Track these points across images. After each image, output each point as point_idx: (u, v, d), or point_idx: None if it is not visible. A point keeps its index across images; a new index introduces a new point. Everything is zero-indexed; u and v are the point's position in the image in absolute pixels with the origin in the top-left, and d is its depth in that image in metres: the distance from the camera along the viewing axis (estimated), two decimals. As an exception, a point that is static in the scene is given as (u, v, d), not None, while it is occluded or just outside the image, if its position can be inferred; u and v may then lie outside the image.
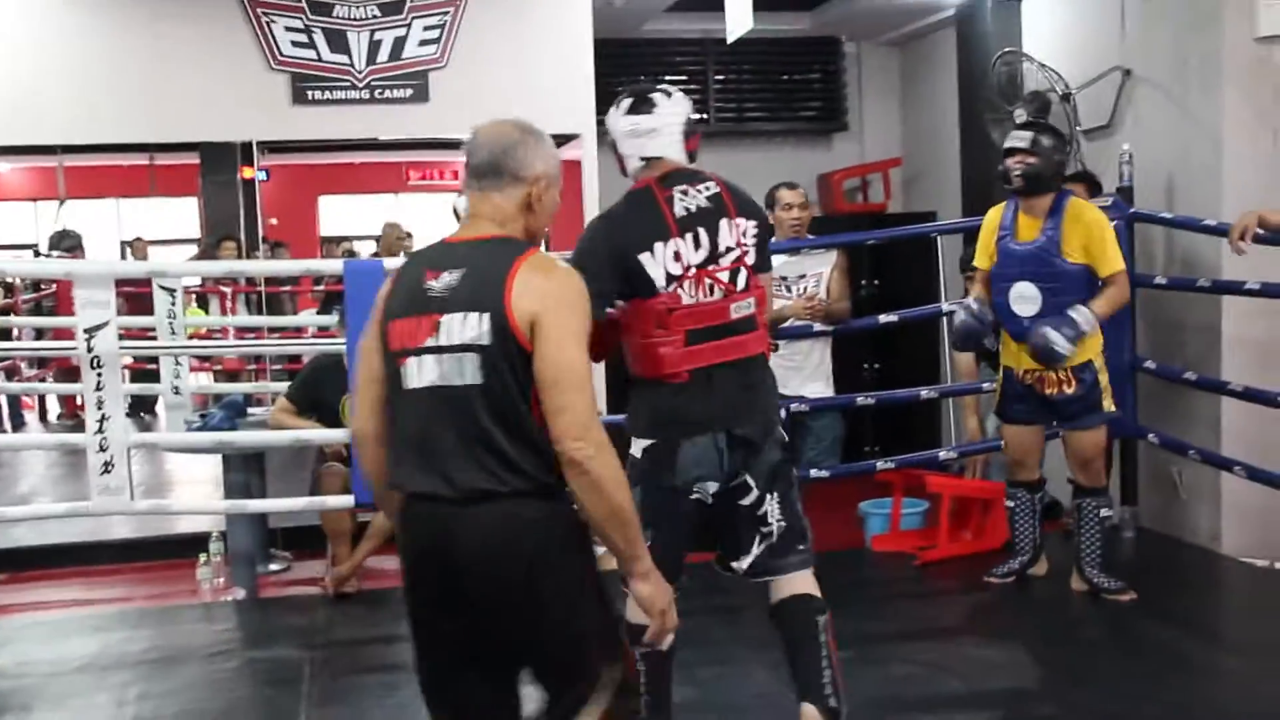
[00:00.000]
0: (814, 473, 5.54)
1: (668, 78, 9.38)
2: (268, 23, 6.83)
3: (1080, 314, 4.63)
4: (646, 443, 3.15)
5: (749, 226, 3.17)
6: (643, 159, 3.19)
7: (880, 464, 5.90)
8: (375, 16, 6.90)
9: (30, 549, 6.41)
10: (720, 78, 9.26)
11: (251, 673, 4.52)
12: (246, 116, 6.95)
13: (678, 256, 3.08)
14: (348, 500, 5.02)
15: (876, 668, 4.24)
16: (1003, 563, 5.22)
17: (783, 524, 3.23)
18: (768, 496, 3.19)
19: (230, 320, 9.07)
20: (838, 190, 8.98)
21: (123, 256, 10.69)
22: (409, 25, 6.93)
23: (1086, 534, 4.91)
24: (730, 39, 6.91)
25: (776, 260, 5.48)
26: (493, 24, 7.02)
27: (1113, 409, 4.86)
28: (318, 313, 9.40)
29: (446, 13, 6.96)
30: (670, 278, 3.08)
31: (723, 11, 6.87)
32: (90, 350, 4.62)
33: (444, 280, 2.36)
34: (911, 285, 7.75)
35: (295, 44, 6.86)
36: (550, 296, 2.32)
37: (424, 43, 6.96)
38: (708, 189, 3.15)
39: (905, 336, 7.60)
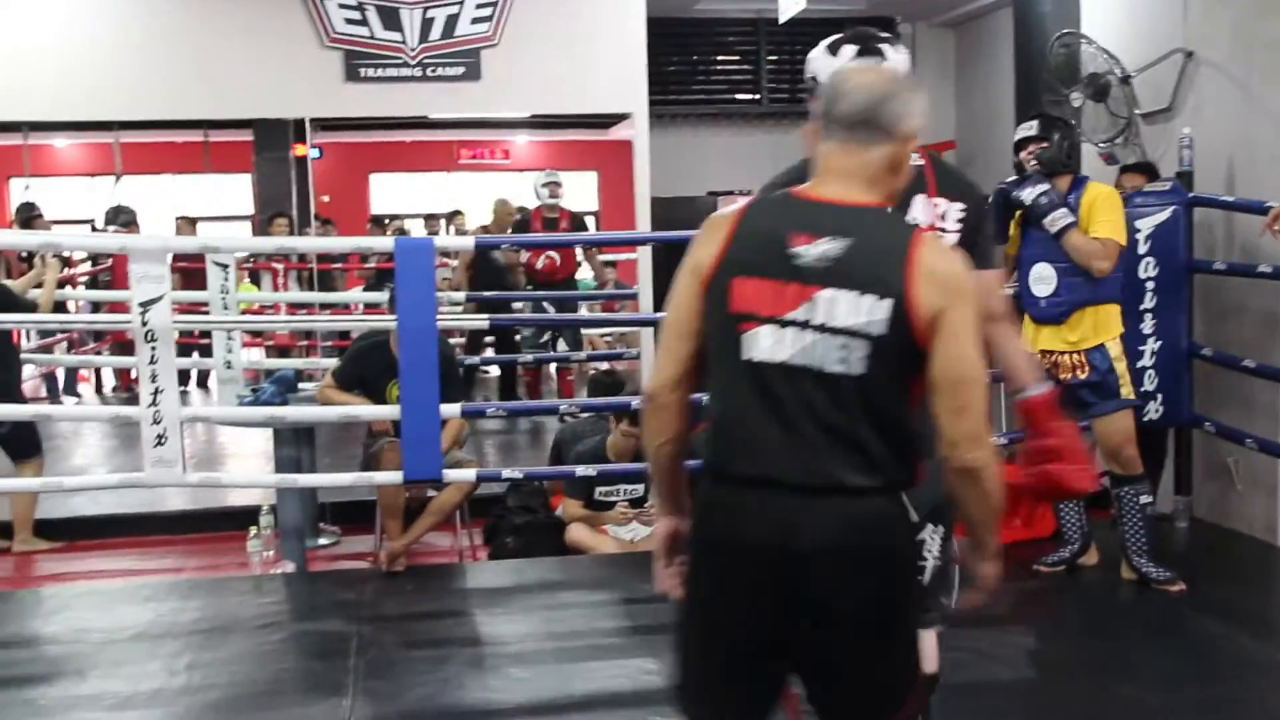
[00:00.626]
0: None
1: (720, 58, 9.36)
2: (321, 0, 6.86)
3: (1065, 206, 4.71)
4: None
5: (951, 209, 2.65)
6: None
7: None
8: (429, -7, 6.93)
9: (86, 519, 6.51)
10: (773, 58, 9.22)
11: (299, 645, 4.55)
12: (299, 94, 6.99)
13: None
14: (397, 476, 5.03)
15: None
16: (1053, 551, 5.16)
17: (937, 563, 2.66)
18: (929, 525, 2.58)
19: (282, 296, 9.14)
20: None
21: (177, 232, 10.78)
22: (461, 3, 6.93)
23: (1129, 523, 4.84)
24: (783, 19, 6.87)
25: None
26: (545, 2, 7.00)
27: (1132, 396, 4.80)
28: (367, 290, 9.47)
29: (500, -10, 6.97)
30: None
31: (775, -10, 6.83)
32: (145, 324, 4.66)
33: (820, 248, 2.06)
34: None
35: (348, 21, 6.89)
36: (955, 286, 2.06)
37: (476, 20, 6.96)
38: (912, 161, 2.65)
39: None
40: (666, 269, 6.47)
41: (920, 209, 2.64)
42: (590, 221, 12.69)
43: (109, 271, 9.80)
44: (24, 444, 6.19)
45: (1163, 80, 6.15)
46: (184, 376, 8.72)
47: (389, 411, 5.24)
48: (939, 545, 2.65)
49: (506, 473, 5.35)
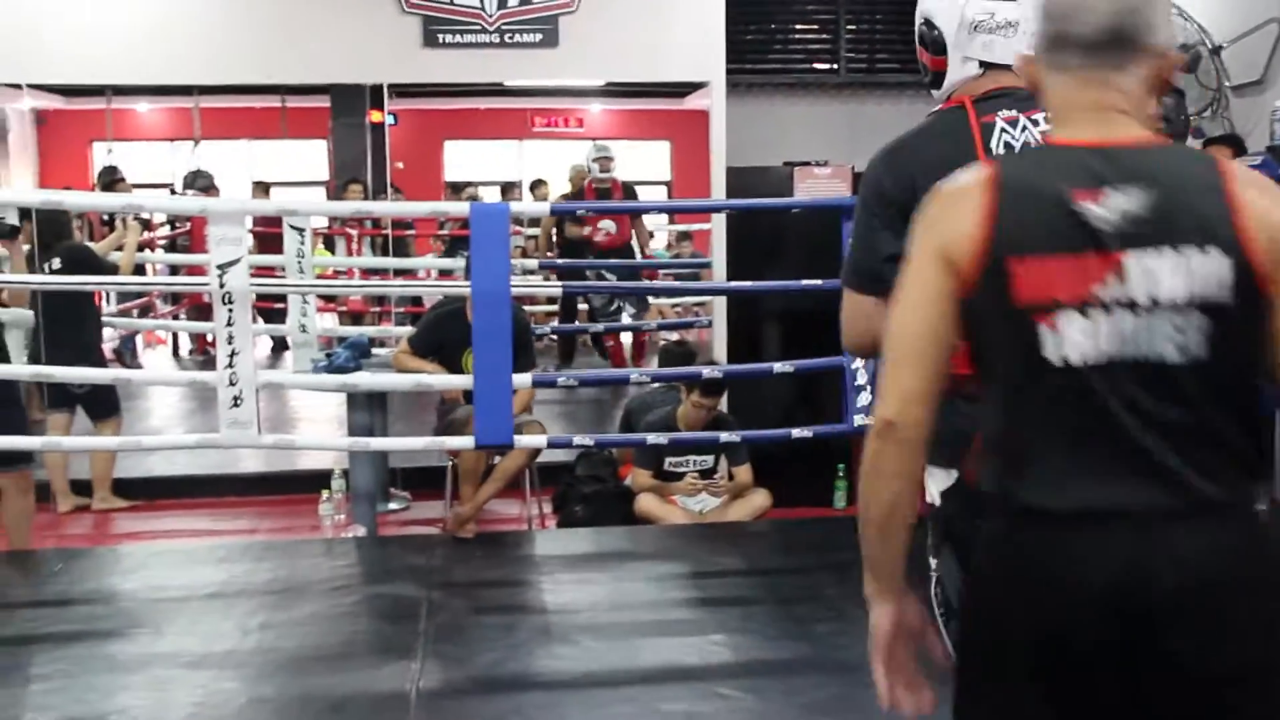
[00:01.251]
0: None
1: (798, 27, 9.25)
2: (402, -36, 6.85)
3: None
4: None
5: None
6: (982, 64, 2.22)
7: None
8: (506, -41, 6.89)
9: (162, 479, 6.61)
10: (852, 27, 9.08)
11: (370, 609, 4.59)
12: (377, 59, 6.98)
13: None
14: (468, 441, 5.04)
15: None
16: None
17: None
18: None
19: (356, 261, 9.21)
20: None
21: (253, 197, 10.87)
22: (541, -32, 6.90)
23: None
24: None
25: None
26: (624, -33, 6.94)
27: None
28: (443, 257, 9.51)
29: (578, -44, 6.91)
30: None
31: (857, -42, 6.72)
32: (222, 286, 4.70)
33: (1117, 201, 1.60)
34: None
35: (428, -14, 6.87)
36: None
37: (554, -15, 6.92)
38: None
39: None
40: (739, 238, 6.43)
41: None
42: (658, 192, 12.64)
43: (187, 235, 9.91)
44: (104, 404, 6.29)
45: (1255, 52, 5.98)
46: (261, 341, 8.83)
47: (461, 381, 5.25)
48: None
49: (577, 439, 5.34)
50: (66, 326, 6.11)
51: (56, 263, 6.03)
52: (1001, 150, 2.13)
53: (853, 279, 2.16)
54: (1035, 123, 2.15)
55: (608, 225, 8.80)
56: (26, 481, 5.23)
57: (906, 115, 8.65)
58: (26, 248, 5.95)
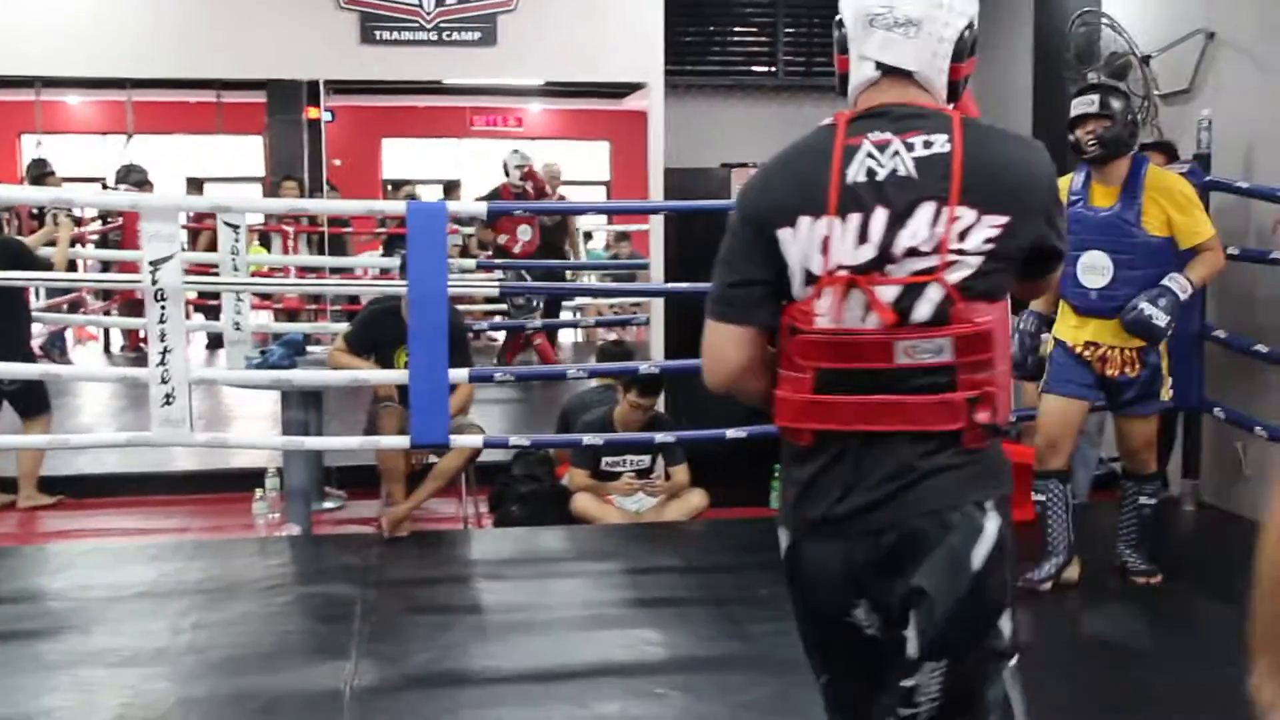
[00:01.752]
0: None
1: (737, 29, 9.31)
2: (338, -39, 6.83)
3: (1176, 282, 4.35)
4: (785, 538, 2.05)
5: (981, 226, 1.86)
6: (879, 66, 1.96)
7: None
8: (447, -44, 6.88)
9: (92, 477, 6.53)
10: (790, 30, 9.16)
11: (304, 608, 4.56)
12: (314, 55, 6.96)
13: (825, 246, 1.90)
14: (403, 441, 5.03)
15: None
16: (1036, 566, 4.58)
17: (933, 709, 1.93)
18: (929, 665, 1.91)
19: (291, 259, 9.13)
20: (906, 148, 8.85)
21: (188, 193, 10.78)
22: (480, -33, 6.90)
23: (1125, 515, 4.72)
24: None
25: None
26: (564, -33, 6.97)
27: (1168, 397, 4.57)
28: (381, 255, 9.46)
29: (518, -45, 6.92)
30: (807, 278, 1.92)
31: (795, -38, 6.78)
32: (155, 283, 4.65)
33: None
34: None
35: (365, -17, 6.86)
36: None
37: (494, -15, 6.93)
38: (930, 144, 1.88)
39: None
40: (678, 239, 6.47)
41: (922, 220, 1.86)
42: (597, 192, 12.65)
43: (119, 231, 9.78)
44: (33, 401, 6.20)
45: (1183, 61, 6.10)
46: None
47: (397, 376, 5.23)
48: (937, 687, 1.94)
49: (514, 439, 5.35)
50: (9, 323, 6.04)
51: None
52: (861, 178, 1.88)
53: (716, 307, 2.01)
54: (910, 146, 1.88)
55: (523, 232, 8.84)
56: None
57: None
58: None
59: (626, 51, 6.89)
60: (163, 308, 4.68)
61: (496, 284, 7.09)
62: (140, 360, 7.49)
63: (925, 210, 1.86)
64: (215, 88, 10.66)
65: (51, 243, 6.79)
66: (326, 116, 11.33)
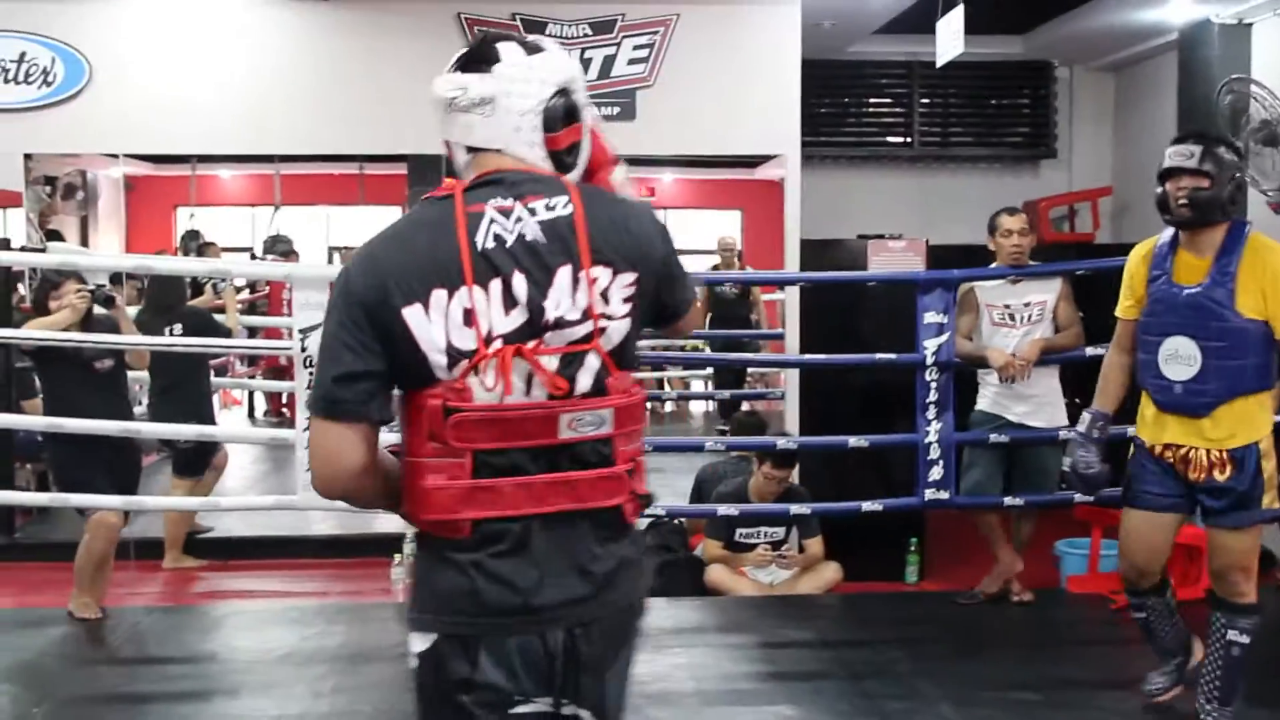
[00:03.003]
0: (1008, 501, 5.38)
1: (871, 100, 9.31)
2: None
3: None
4: (425, 640, 1.91)
5: (617, 285, 1.85)
6: (469, 149, 1.94)
7: (1079, 497, 5.66)
8: (586, 35, 7.02)
9: (238, 539, 6.70)
10: (926, 101, 9.15)
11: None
12: (458, 130, 7.13)
13: (470, 318, 1.81)
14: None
15: (1070, 713, 4.10)
16: (1157, 672, 4.12)
17: None
18: None
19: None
20: (1044, 218, 8.74)
21: (330, 262, 11.10)
22: (619, 44, 7.02)
23: (1210, 659, 3.86)
24: (940, 63, 6.80)
25: (994, 287, 5.35)
26: (701, 44, 7.06)
27: (1276, 506, 3.78)
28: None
29: (656, 32, 7.04)
30: (455, 354, 1.80)
31: (930, 34, 6.78)
32: (304, 350, 4.79)
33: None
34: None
35: (508, 61, 7.04)
36: None
37: (633, 62, 7.04)
38: (552, 208, 1.86)
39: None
40: (813, 310, 6.44)
41: (564, 285, 1.82)
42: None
43: (265, 299, 10.10)
44: (194, 462, 6.41)
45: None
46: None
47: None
48: None
49: (649, 509, 5.35)
50: (183, 388, 6.30)
51: (179, 327, 6.18)
52: (491, 244, 1.82)
53: (323, 404, 1.84)
54: (533, 211, 1.84)
55: None
56: (109, 529, 5.27)
57: (979, 188, 8.73)
58: (132, 310, 6.08)
59: (763, 124, 6.95)
60: (310, 373, 4.82)
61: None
62: (284, 424, 7.69)
63: (563, 274, 1.82)
64: (358, 160, 11.02)
65: (221, 310, 7.08)
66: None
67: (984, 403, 5.47)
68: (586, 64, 7.01)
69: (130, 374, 6.34)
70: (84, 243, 14.09)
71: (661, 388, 9.33)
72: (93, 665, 4.73)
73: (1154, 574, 3.91)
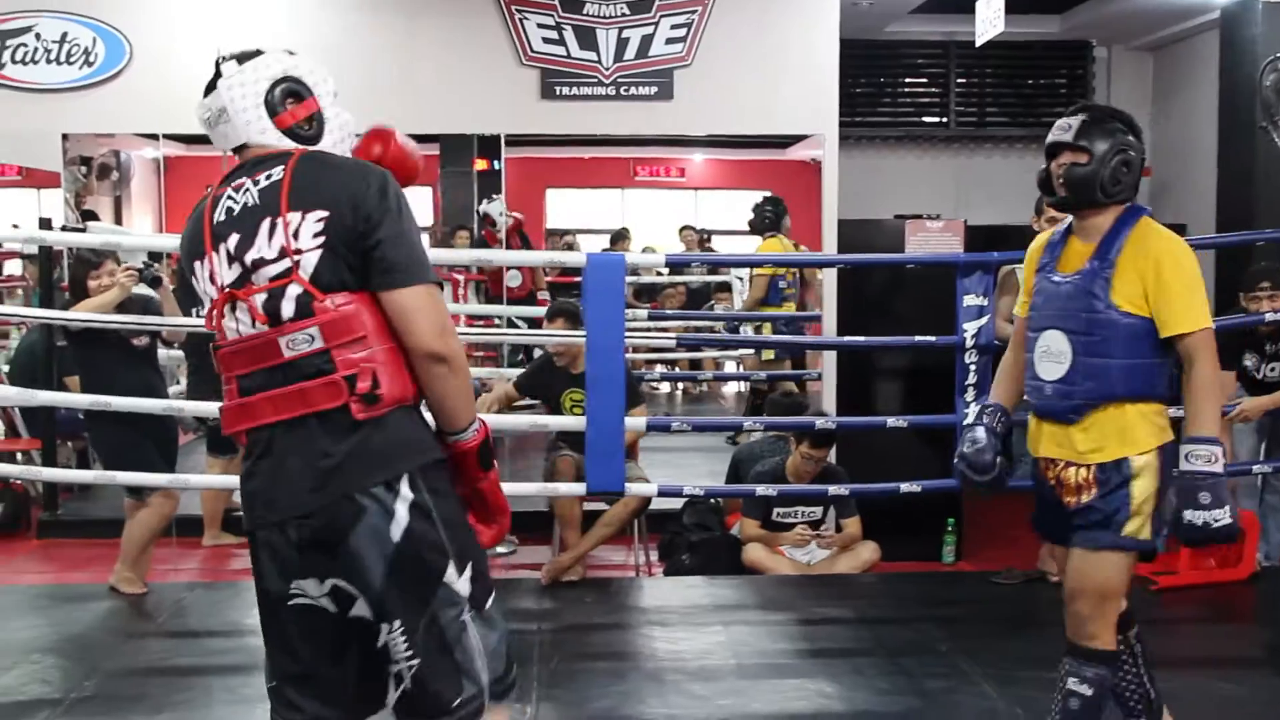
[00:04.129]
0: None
1: (908, 80, 9.28)
2: (520, 19, 7.03)
3: (1199, 459, 3.01)
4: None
5: (307, 222, 2.23)
6: (233, 150, 2.41)
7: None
8: (624, 14, 7.02)
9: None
10: (962, 80, 9.10)
11: (483, 650, 4.63)
12: (496, 110, 7.16)
13: (212, 277, 2.33)
14: (579, 488, 5.10)
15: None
16: None
17: (413, 664, 2.28)
18: (385, 627, 2.26)
19: (464, 308, 9.36)
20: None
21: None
22: (656, 23, 7.02)
23: (1055, 711, 3.24)
24: (980, 42, 6.77)
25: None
26: (739, 23, 7.05)
27: (1146, 538, 3.10)
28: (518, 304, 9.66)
29: (694, 11, 7.03)
30: (210, 305, 2.36)
31: (967, 13, 6.75)
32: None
33: None
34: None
35: (546, 40, 7.05)
36: None
37: (670, 41, 7.04)
38: (270, 177, 2.29)
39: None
40: (851, 291, 6.44)
41: (264, 235, 2.26)
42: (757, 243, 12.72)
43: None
44: (229, 441, 6.43)
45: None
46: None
47: (571, 423, 5.32)
48: (403, 643, 2.28)
49: (688, 488, 5.37)
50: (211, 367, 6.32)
51: None
52: (222, 217, 2.31)
53: None
54: (257, 182, 2.30)
55: (512, 278, 9.28)
56: (168, 506, 5.34)
57: (1016, 169, 8.69)
58: (172, 288, 6.12)
59: (800, 104, 6.93)
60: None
61: (672, 335, 7.17)
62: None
63: (264, 226, 2.25)
64: (391, 141, 11.06)
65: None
66: (498, 167, 11.60)
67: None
68: (624, 43, 7.02)
69: (169, 353, 6.41)
70: (118, 223, 14.19)
71: (697, 368, 9.31)
72: (139, 639, 4.78)
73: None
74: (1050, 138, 3.26)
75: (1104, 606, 3.13)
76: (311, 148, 2.35)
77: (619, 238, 13.90)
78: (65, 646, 4.66)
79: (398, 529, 2.21)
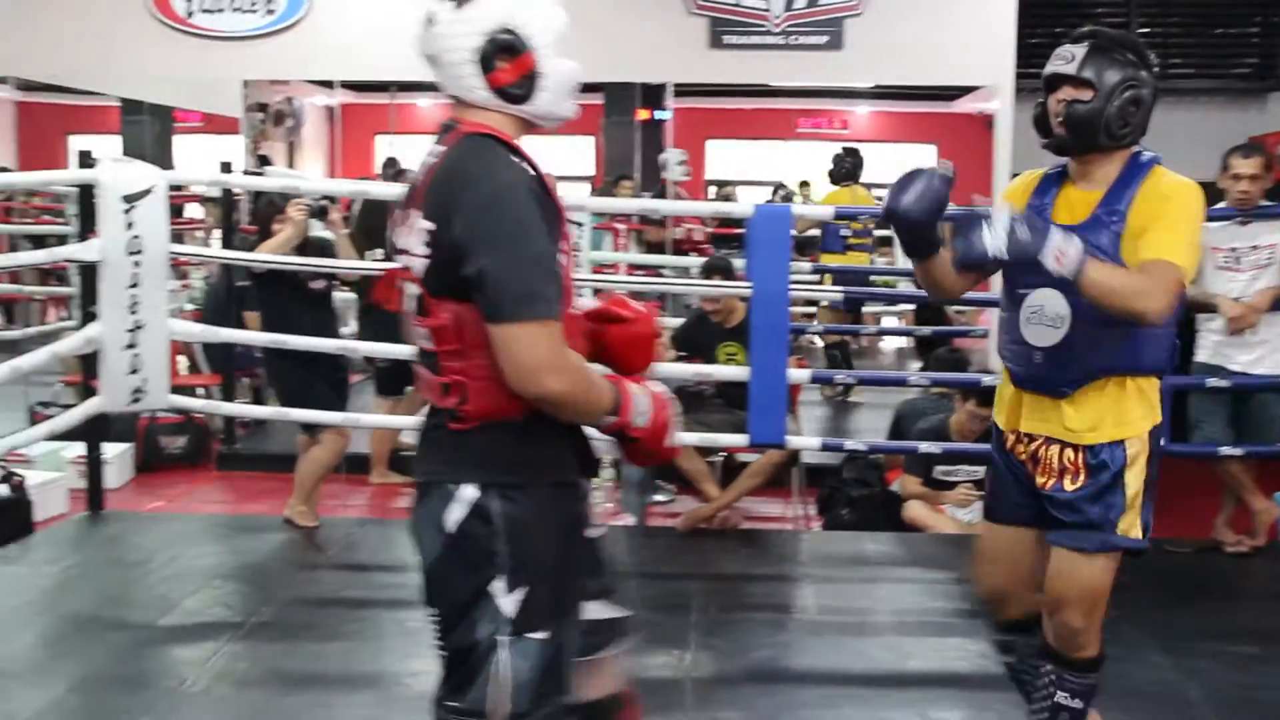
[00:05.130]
0: (1224, 450, 5.20)
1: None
2: (691, -35, 6.97)
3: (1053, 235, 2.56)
4: None
5: (423, 228, 2.11)
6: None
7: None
8: (795, -39, 6.92)
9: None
10: (1144, 30, 8.77)
11: (641, 598, 4.66)
12: (665, 58, 7.14)
13: (396, 238, 2.26)
14: (743, 439, 5.11)
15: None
16: None
17: (442, 649, 2.23)
18: (428, 610, 2.24)
19: (630, 257, 9.42)
20: (1273, 155, 8.32)
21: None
22: (829, -30, 6.91)
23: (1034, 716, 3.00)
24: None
25: (1221, 229, 5.10)
26: (914, -30, 6.88)
27: (1138, 536, 2.80)
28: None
29: (868, -43, 6.89)
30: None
31: (1155, -40, 6.47)
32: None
33: None
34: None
35: (715, -13, 6.99)
36: None
37: (842, -13, 6.92)
38: (432, 156, 2.18)
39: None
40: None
41: (404, 224, 2.17)
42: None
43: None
44: (395, 383, 6.62)
45: None
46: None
47: (734, 373, 5.34)
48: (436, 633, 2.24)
49: (849, 444, 5.34)
50: (382, 308, 6.47)
51: (379, 251, 6.38)
52: (407, 186, 2.23)
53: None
54: (431, 155, 2.18)
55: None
56: (340, 443, 5.54)
57: (1201, 122, 8.38)
58: (345, 232, 6.27)
59: (974, 54, 6.75)
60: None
61: (838, 290, 7.12)
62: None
63: (413, 213, 2.14)
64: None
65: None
66: (664, 115, 11.58)
67: (1203, 354, 5.27)
68: (794, -9, 6.91)
69: (342, 295, 6.60)
70: (290, 168, 14.62)
71: (858, 322, 9.21)
72: (311, 570, 4.97)
73: (1019, 603, 3.03)
74: (1049, 68, 2.85)
75: (1094, 614, 2.85)
76: (520, 108, 2.19)
77: (801, 185, 13.82)
78: (244, 573, 4.88)
79: (452, 520, 2.14)
